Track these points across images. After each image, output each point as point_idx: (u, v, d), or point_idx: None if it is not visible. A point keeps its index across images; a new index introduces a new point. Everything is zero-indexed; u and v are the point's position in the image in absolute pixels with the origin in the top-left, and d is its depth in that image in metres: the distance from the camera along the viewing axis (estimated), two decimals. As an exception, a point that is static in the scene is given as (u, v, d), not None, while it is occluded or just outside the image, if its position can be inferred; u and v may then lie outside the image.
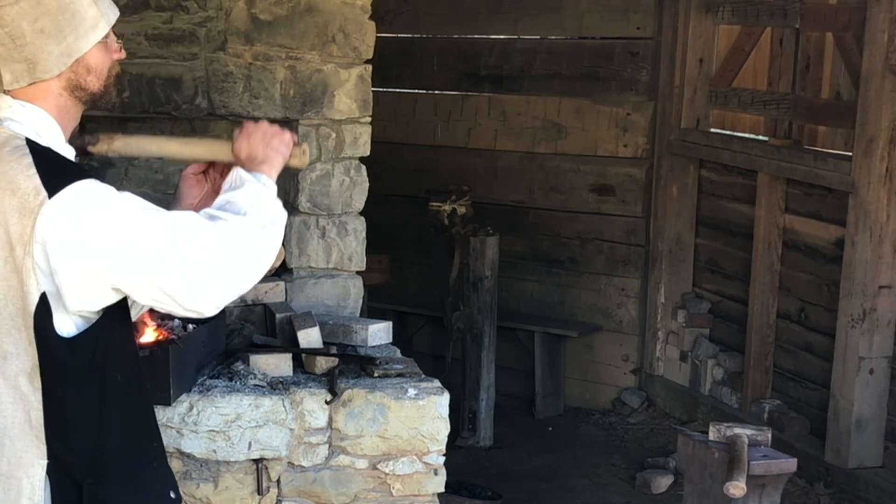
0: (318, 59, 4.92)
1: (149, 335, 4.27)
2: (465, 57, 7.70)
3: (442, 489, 4.17)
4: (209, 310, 2.35)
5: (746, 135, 7.24)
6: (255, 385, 4.30)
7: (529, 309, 7.50)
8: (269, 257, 2.40)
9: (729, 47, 6.92)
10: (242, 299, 4.98)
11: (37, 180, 2.26)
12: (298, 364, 4.47)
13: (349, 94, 4.97)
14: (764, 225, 6.30)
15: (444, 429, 4.14)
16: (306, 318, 4.52)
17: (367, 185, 5.08)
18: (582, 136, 7.32)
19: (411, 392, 4.16)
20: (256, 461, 4.22)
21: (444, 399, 4.14)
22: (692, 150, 6.88)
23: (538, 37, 7.48)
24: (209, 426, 4.17)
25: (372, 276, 5.99)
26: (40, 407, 2.32)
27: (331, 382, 4.28)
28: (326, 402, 4.23)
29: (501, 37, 7.61)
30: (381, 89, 6.67)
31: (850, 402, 5.63)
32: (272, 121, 2.66)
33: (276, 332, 4.71)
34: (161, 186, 5.24)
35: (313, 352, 4.42)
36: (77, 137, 2.73)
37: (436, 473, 4.15)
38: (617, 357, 7.35)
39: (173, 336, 4.28)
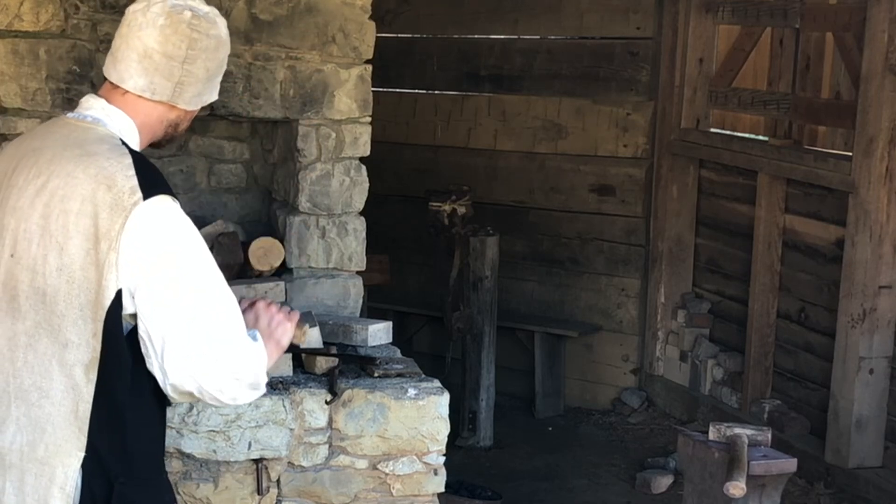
0: (318, 59, 4.92)
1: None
2: (465, 57, 7.70)
3: (442, 489, 4.17)
4: (173, 382, 2.36)
5: (746, 135, 7.24)
6: (255, 385, 4.30)
7: (529, 309, 7.50)
8: (244, 390, 2.42)
9: (729, 47, 6.92)
10: (242, 299, 4.97)
11: (135, 181, 2.34)
12: (298, 364, 4.47)
13: (349, 94, 4.97)
14: (764, 225, 6.30)
15: (444, 429, 4.14)
16: (306, 318, 4.51)
17: (367, 185, 5.08)
18: (582, 136, 7.32)
19: (411, 392, 4.16)
20: (256, 461, 4.22)
21: (444, 399, 4.14)
22: (692, 150, 6.88)
23: (538, 37, 7.48)
24: (209, 426, 4.17)
25: (372, 276, 5.99)
26: (90, 399, 2.35)
27: (331, 382, 4.28)
28: (326, 402, 4.23)
29: (501, 37, 7.61)
30: (381, 89, 6.67)
31: (850, 402, 5.63)
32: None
33: (276, 332, 4.71)
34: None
35: (313, 352, 4.41)
36: None
37: (436, 473, 4.15)
38: (617, 357, 7.35)
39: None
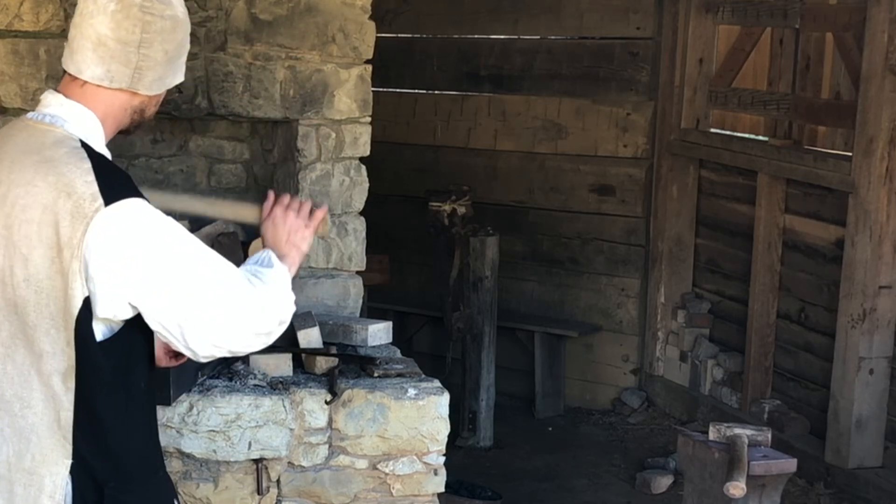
0: (318, 59, 4.92)
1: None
2: (465, 57, 7.70)
3: (442, 489, 4.17)
4: (205, 356, 2.39)
5: (746, 135, 7.24)
6: (255, 385, 4.30)
7: (529, 309, 7.50)
8: (270, 336, 2.44)
9: (729, 47, 6.92)
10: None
11: (94, 187, 2.30)
12: (298, 364, 4.47)
13: (349, 94, 4.97)
14: (764, 225, 6.30)
15: (444, 429, 4.14)
16: (306, 318, 4.52)
17: (367, 185, 5.08)
18: (582, 136, 7.32)
19: (411, 392, 4.16)
20: (256, 461, 4.22)
21: (444, 399, 4.14)
22: (692, 150, 6.88)
23: (538, 37, 7.48)
24: (209, 426, 4.17)
25: (372, 276, 5.99)
26: (71, 407, 2.33)
27: (331, 382, 4.28)
28: (326, 402, 4.23)
29: (501, 37, 7.61)
30: (381, 89, 6.67)
31: (850, 402, 5.63)
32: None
33: (276, 332, 4.71)
34: (161, 186, 5.24)
35: (313, 352, 4.42)
36: None
37: (436, 473, 4.15)
38: (617, 357, 7.35)
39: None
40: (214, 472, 4.21)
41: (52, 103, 2.43)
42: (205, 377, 4.34)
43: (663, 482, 6.01)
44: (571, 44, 7.43)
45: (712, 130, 7.01)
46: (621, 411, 7.19)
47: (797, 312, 6.20)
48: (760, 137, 6.93)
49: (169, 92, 2.61)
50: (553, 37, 7.47)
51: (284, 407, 4.22)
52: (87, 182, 2.30)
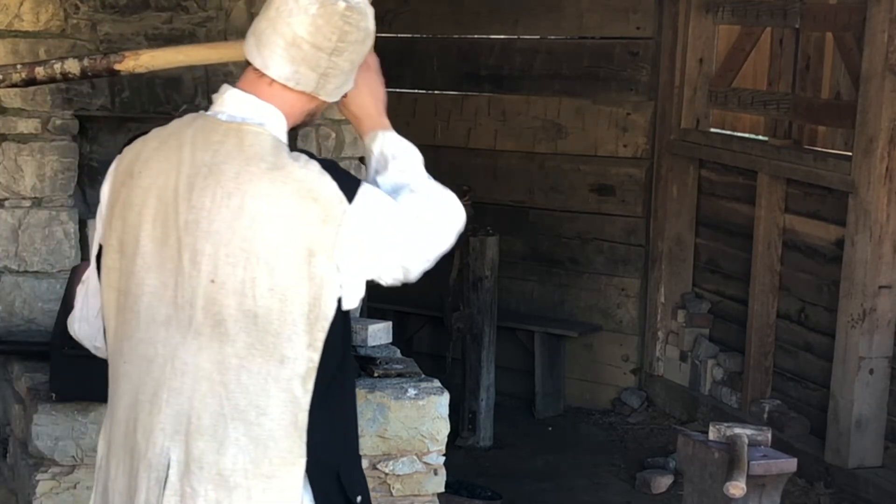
0: (318, 59, 4.91)
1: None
2: (465, 57, 7.69)
3: (442, 489, 4.17)
4: (419, 272, 2.42)
5: (746, 135, 7.24)
6: (255, 385, 4.30)
7: (529, 309, 7.50)
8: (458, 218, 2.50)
9: (729, 47, 6.92)
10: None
11: (335, 187, 2.30)
12: (298, 364, 4.47)
13: (349, 94, 4.96)
14: (764, 225, 6.30)
15: (444, 429, 4.14)
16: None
17: (366, 185, 5.08)
18: (582, 136, 7.32)
19: (411, 392, 4.17)
20: (256, 461, 4.22)
21: (444, 399, 4.14)
22: (692, 150, 6.88)
23: (538, 37, 7.48)
24: (209, 426, 4.16)
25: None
26: (307, 408, 2.33)
27: (331, 382, 4.28)
28: (326, 402, 4.23)
29: (501, 37, 7.60)
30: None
31: (850, 402, 5.63)
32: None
33: (276, 332, 4.71)
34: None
35: (313, 352, 4.41)
36: (101, 59, 2.69)
37: (436, 473, 4.15)
38: (617, 357, 7.35)
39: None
40: (214, 472, 4.21)
41: (247, 104, 2.39)
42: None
43: (663, 482, 6.01)
44: (571, 44, 7.42)
45: (712, 130, 7.01)
46: (621, 411, 7.19)
47: (797, 312, 6.19)
48: (760, 137, 6.93)
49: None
50: (553, 37, 7.47)
51: (284, 407, 4.22)
52: (326, 183, 2.30)
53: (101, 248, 2.47)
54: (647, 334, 7.22)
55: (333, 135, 4.97)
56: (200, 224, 2.30)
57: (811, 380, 6.10)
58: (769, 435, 4.18)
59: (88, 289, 2.59)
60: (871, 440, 5.65)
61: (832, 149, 6.46)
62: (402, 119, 7.85)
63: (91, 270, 2.55)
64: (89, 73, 2.86)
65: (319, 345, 2.31)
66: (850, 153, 5.74)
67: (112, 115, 4.85)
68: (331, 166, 2.36)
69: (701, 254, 7.03)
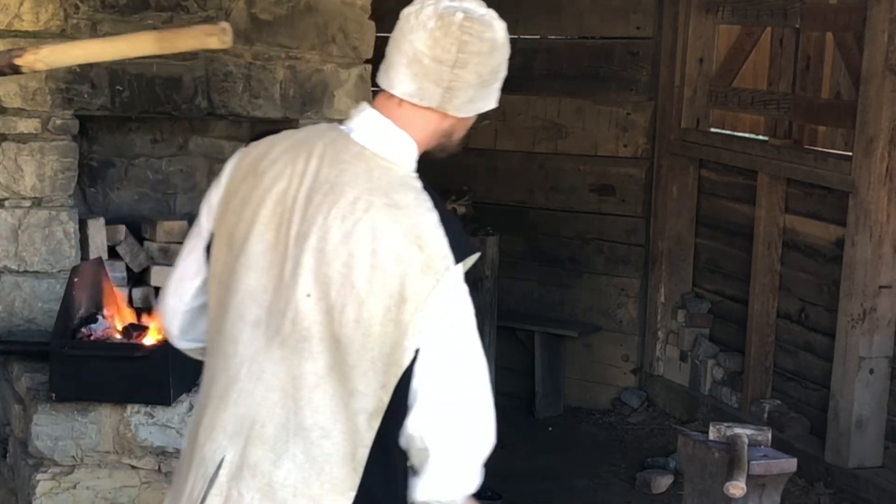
0: (317, 59, 4.92)
1: (149, 336, 4.27)
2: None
3: (442, 489, 4.15)
4: (409, 432, 2.34)
5: (746, 135, 7.24)
6: (255, 385, 4.29)
7: (529, 309, 7.49)
8: (473, 476, 2.49)
9: (729, 47, 6.92)
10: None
11: (445, 244, 2.29)
12: (298, 364, 4.46)
13: (349, 94, 4.97)
14: (764, 225, 6.30)
15: (444, 429, 4.13)
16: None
17: (367, 185, 5.08)
18: (582, 136, 7.32)
19: (411, 392, 4.15)
20: (256, 461, 4.22)
21: (444, 399, 4.12)
22: (692, 150, 6.88)
23: (538, 37, 7.48)
24: (209, 426, 4.16)
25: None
26: (369, 445, 2.32)
27: (331, 382, 4.27)
28: (326, 402, 4.22)
29: (501, 37, 7.60)
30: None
31: (850, 402, 5.63)
32: None
33: (276, 332, 4.71)
34: (161, 186, 5.25)
35: (313, 352, 4.41)
36: (3, 54, 2.67)
37: (436, 473, 4.13)
38: (617, 357, 7.35)
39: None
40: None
41: (380, 130, 2.40)
42: (205, 377, 4.34)
43: (663, 482, 6.01)
44: (571, 44, 7.43)
45: (712, 130, 7.01)
46: (621, 411, 7.19)
47: (797, 312, 6.19)
48: (760, 137, 6.93)
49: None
50: (553, 37, 7.47)
51: (284, 407, 4.21)
52: (437, 237, 2.28)
53: (212, 236, 2.47)
54: (647, 334, 7.22)
55: (333, 135, 4.97)
56: (309, 239, 2.30)
57: (811, 380, 6.10)
58: (769, 435, 4.17)
59: (186, 271, 2.57)
60: (871, 440, 5.65)
61: (832, 149, 6.46)
62: (402, 119, 7.87)
63: (197, 253, 2.52)
64: None
65: (391, 389, 2.29)
66: (850, 153, 5.74)
67: (112, 115, 4.85)
68: (450, 223, 2.34)
69: (701, 254, 7.03)
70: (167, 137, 5.19)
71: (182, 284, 2.56)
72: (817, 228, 6.04)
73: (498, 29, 2.43)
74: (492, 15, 2.42)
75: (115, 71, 4.71)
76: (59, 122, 4.68)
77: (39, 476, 4.13)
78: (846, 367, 5.65)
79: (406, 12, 2.38)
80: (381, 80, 2.41)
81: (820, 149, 6.43)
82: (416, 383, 2.31)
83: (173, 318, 2.61)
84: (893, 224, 5.54)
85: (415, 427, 2.34)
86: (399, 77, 2.37)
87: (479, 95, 2.41)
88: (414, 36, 2.35)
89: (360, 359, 2.28)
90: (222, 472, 2.34)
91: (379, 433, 2.32)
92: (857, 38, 5.67)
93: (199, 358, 2.61)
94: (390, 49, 2.40)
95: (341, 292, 2.27)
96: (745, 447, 3.99)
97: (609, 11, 7.15)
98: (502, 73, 2.47)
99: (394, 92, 2.38)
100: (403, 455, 2.39)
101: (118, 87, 4.73)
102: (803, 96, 6.15)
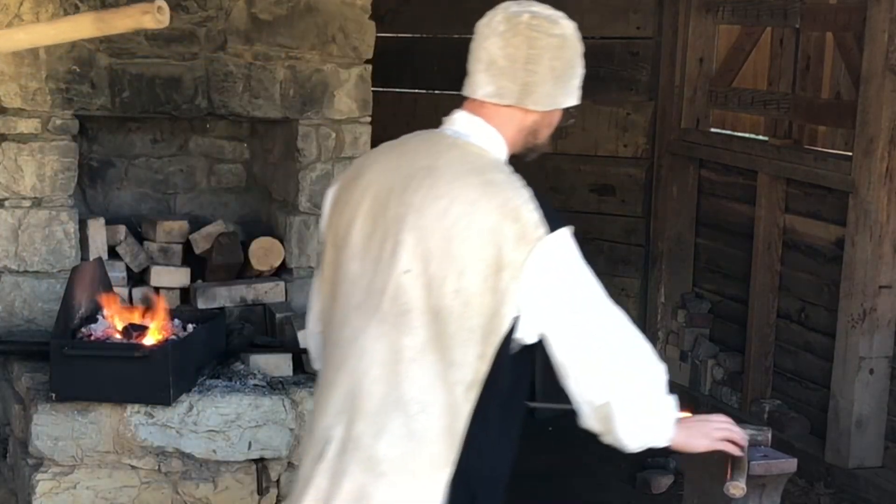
0: (318, 59, 4.92)
1: (149, 336, 4.27)
2: (466, 57, 7.68)
3: (442, 489, 4.15)
4: (588, 399, 2.52)
5: (746, 135, 7.23)
6: (255, 385, 4.30)
7: (529, 309, 7.49)
8: (651, 416, 2.63)
9: (729, 47, 6.92)
10: (242, 298, 4.98)
11: (537, 215, 2.46)
12: (298, 364, 4.47)
13: (349, 94, 4.97)
14: (764, 225, 6.29)
15: (444, 429, 4.13)
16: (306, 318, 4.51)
17: (367, 185, 5.07)
18: (582, 136, 7.32)
19: (411, 392, 4.16)
20: (256, 461, 4.22)
21: (444, 399, 4.13)
22: (692, 150, 6.87)
23: (538, 37, 7.48)
24: (209, 426, 4.17)
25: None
26: (466, 417, 2.41)
27: (331, 382, 4.27)
28: (326, 402, 4.22)
29: (501, 37, 7.60)
30: (381, 89, 6.67)
31: (850, 402, 5.62)
32: None
33: (276, 332, 4.71)
34: (161, 186, 5.25)
35: (313, 352, 4.41)
36: None
37: (436, 473, 4.14)
38: (617, 357, 7.34)
39: (173, 336, 4.28)
40: (214, 472, 4.21)
41: (472, 126, 2.59)
42: (205, 377, 4.34)
43: (663, 482, 6.01)
44: (571, 44, 7.42)
45: (712, 130, 7.01)
46: (621, 411, 7.18)
47: (797, 312, 6.19)
48: (760, 137, 6.93)
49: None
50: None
51: (284, 407, 4.22)
52: (530, 210, 2.45)
53: (323, 249, 2.64)
54: (647, 334, 7.16)
55: (333, 135, 4.98)
56: (408, 218, 2.45)
57: (811, 380, 6.09)
58: (769, 435, 4.16)
59: (312, 298, 2.74)
60: (871, 440, 5.65)
61: (832, 149, 6.46)
62: (403, 119, 7.84)
63: (317, 279, 2.68)
64: None
65: (488, 358, 2.39)
66: (850, 153, 5.74)
67: (112, 115, 4.85)
68: (542, 199, 2.51)
69: (701, 254, 7.03)
70: (167, 137, 5.19)
71: (312, 311, 2.73)
72: (817, 228, 6.04)
73: (566, 26, 2.61)
74: (558, 14, 2.61)
75: (115, 71, 4.71)
76: (59, 122, 4.68)
77: (39, 476, 4.13)
78: (846, 367, 5.65)
79: (479, 24, 2.60)
80: (465, 90, 2.62)
81: (820, 149, 6.43)
82: (560, 356, 2.44)
83: (310, 342, 2.78)
84: (893, 224, 5.54)
85: (580, 393, 2.49)
86: (479, 81, 2.57)
87: (556, 90, 2.56)
88: (488, 42, 2.55)
89: (459, 329, 2.38)
90: (331, 448, 2.44)
91: (476, 406, 2.40)
92: (857, 38, 5.67)
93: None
94: (469, 61, 2.62)
95: (441, 265, 2.40)
96: (746, 447, 3.98)
97: (609, 11, 7.15)
98: (578, 69, 2.62)
99: (476, 96, 2.58)
100: (500, 429, 2.48)
101: (118, 87, 4.73)
102: (803, 96, 6.15)
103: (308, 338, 2.80)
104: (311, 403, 4.21)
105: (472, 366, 2.38)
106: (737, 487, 3.78)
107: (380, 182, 2.53)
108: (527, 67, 2.52)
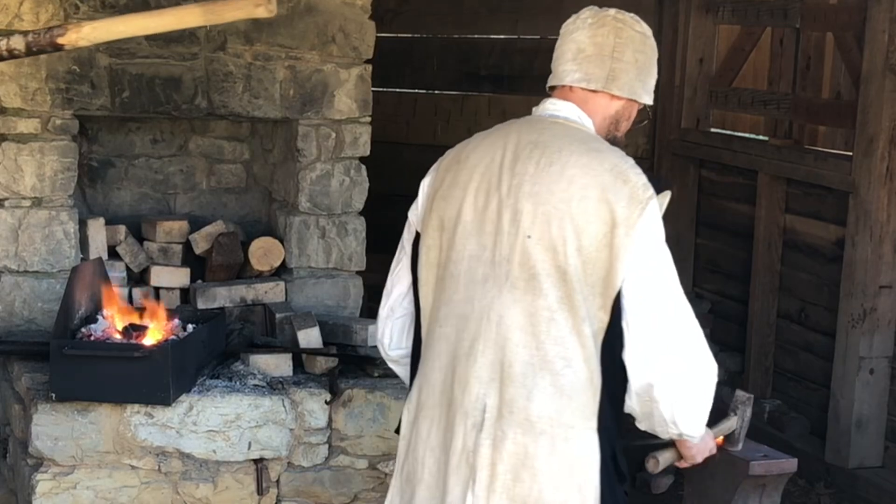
0: (318, 59, 4.92)
1: (149, 336, 4.27)
2: (465, 57, 7.69)
3: (442, 489, 4.15)
4: (634, 373, 2.57)
5: (746, 135, 7.23)
6: (255, 385, 4.30)
7: (529, 309, 7.48)
8: (695, 406, 2.67)
9: (729, 47, 6.92)
10: (242, 298, 4.98)
11: (644, 178, 2.59)
12: (298, 364, 4.47)
13: (349, 94, 4.97)
14: (764, 225, 6.29)
15: (444, 429, 4.13)
16: (306, 318, 4.52)
17: (366, 185, 5.08)
18: (582, 136, 7.32)
19: (411, 392, 4.15)
20: (256, 461, 4.22)
21: (445, 399, 4.13)
22: (692, 150, 6.87)
23: (538, 37, 7.48)
24: (209, 426, 4.17)
25: (372, 276, 5.99)
26: (600, 367, 2.57)
27: (331, 382, 4.28)
28: (326, 402, 4.23)
29: (501, 37, 7.61)
30: (381, 89, 6.67)
31: (850, 402, 5.62)
32: None
33: (276, 332, 4.71)
34: (161, 187, 5.25)
35: (313, 352, 4.41)
36: (45, 33, 2.67)
37: (436, 473, 4.15)
38: (617, 357, 7.34)
39: (174, 335, 4.28)
40: (214, 472, 4.21)
41: (565, 108, 2.75)
42: (204, 377, 4.34)
43: (663, 482, 6.00)
44: (571, 44, 7.42)
45: (712, 130, 7.01)
46: (621, 411, 7.17)
47: (797, 312, 6.19)
48: (761, 137, 6.93)
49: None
50: (553, 37, 7.40)
51: (284, 407, 4.22)
52: (637, 173, 2.59)
53: (417, 235, 2.78)
54: (648, 334, 7.21)
55: (333, 135, 4.97)
56: (523, 187, 2.61)
57: (811, 380, 6.09)
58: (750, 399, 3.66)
59: (393, 284, 2.88)
60: (872, 440, 5.65)
61: (832, 149, 6.45)
62: (402, 119, 7.87)
63: (401, 266, 2.83)
64: (34, 49, 2.86)
65: (608, 309, 2.53)
66: (850, 153, 5.74)
67: (112, 115, 4.85)
68: (643, 167, 2.64)
69: (701, 254, 7.03)
70: (167, 137, 5.19)
71: (391, 296, 2.86)
72: (817, 228, 6.04)
73: (646, 27, 2.85)
74: (637, 18, 2.84)
75: (115, 71, 4.71)
76: (59, 122, 4.67)
77: (39, 476, 4.13)
78: (846, 367, 5.65)
79: (566, 23, 2.82)
80: (551, 81, 2.80)
81: (820, 149, 6.42)
82: (630, 315, 2.53)
83: (385, 329, 2.90)
84: (893, 224, 5.54)
85: (634, 365, 2.55)
86: (567, 70, 2.75)
87: (638, 81, 2.78)
88: (576, 34, 2.77)
89: (583, 284, 2.54)
90: (487, 416, 2.58)
91: (605, 356, 2.56)
92: (857, 38, 5.67)
93: (402, 369, 2.93)
94: (555, 58, 2.81)
95: (561, 226, 2.55)
96: (741, 405, 3.59)
97: (609, 11, 7.14)
98: (655, 69, 2.88)
99: (564, 82, 2.76)
100: (617, 381, 2.58)
101: (118, 87, 4.73)
102: (803, 96, 6.15)
103: (383, 323, 2.89)
104: (311, 403, 4.22)
105: (596, 317, 2.53)
106: (652, 459, 3.21)
107: (486, 161, 2.69)
108: (613, 55, 2.72)
